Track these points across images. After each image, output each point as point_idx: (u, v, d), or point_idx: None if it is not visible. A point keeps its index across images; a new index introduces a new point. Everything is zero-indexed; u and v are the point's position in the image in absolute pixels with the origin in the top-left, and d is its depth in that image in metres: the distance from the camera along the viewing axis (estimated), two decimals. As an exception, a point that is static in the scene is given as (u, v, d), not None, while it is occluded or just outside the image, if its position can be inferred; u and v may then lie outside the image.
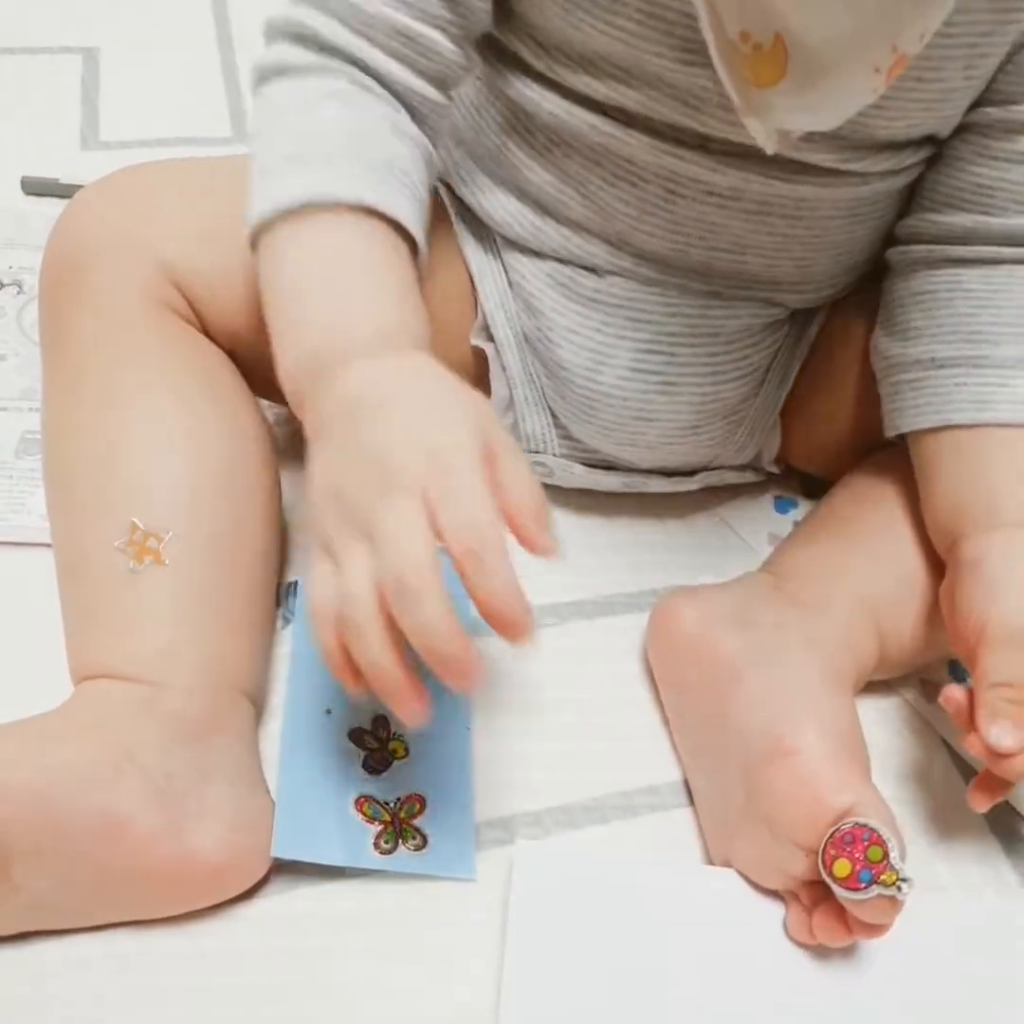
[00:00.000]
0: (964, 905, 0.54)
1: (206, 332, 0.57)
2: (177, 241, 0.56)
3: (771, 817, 0.48)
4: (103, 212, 0.57)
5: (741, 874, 0.51)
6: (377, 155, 0.48)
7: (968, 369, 0.56)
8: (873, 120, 0.52)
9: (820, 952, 0.49)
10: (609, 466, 0.66)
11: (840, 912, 0.47)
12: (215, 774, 0.48)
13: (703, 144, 0.53)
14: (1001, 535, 0.53)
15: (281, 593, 0.61)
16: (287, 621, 0.60)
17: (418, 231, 0.49)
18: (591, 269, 0.60)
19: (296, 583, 0.61)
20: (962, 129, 0.55)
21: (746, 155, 0.53)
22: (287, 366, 0.46)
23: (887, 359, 0.60)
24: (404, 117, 0.51)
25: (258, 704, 0.54)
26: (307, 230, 0.47)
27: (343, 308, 0.46)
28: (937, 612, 0.58)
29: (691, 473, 0.68)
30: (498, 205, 0.60)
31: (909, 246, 0.59)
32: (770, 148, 0.49)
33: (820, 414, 0.66)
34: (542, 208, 0.59)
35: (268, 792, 0.51)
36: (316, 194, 0.47)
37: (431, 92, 0.51)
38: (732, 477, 0.70)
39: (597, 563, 0.67)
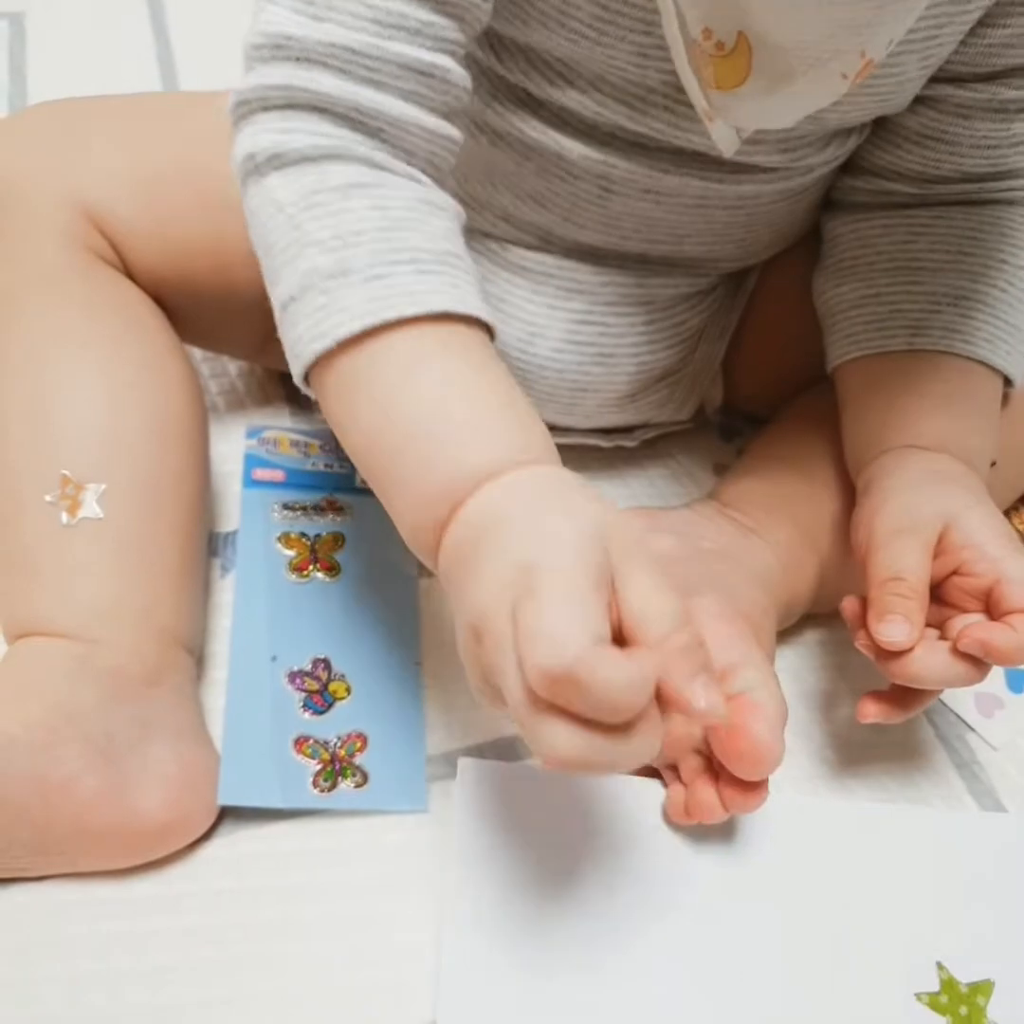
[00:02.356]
0: (914, 815, 0.54)
1: (130, 276, 0.55)
2: (99, 182, 0.54)
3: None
4: (19, 151, 0.55)
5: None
6: (425, 247, 0.41)
7: (903, 296, 0.55)
8: (826, 115, 0.49)
9: (768, 856, 0.49)
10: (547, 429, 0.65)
11: (714, 785, 0.46)
12: (155, 731, 0.48)
13: (640, 142, 0.51)
14: (891, 455, 0.52)
15: (218, 542, 0.60)
16: (226, 570, 0.59)
17: (493, 321, 0.43)
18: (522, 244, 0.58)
19: (235, 532, 0.60)
20: (916, 104, 0.53)
21: (686, 159, 0.51)
22: (413, 513, 0.41)
23: (827, 295, 0.59)
24: (431, 187, 0.44)
25: (197, 655, 0.54)
26: (386, 359, 0.41)
27: (462, 440, 0.40)
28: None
29: (630, 430, 0.67)
30: None
31: (849, 195, 0.59)
32: (728, 152, 0.47)
33: (763, 361, 0.65)
34: (467, 192, 0.56)
35: (211, 745, 0.51)
36: (383, 316, 0.40)
37: (446, 128, 0.44)
38: (673, 428, 0.69)
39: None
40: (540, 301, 0.58)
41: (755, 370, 0.66)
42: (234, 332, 0.62)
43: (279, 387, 0.68)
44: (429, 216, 0.42)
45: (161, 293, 0.56)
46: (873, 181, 0.57)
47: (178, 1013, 0.44)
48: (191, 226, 0.55)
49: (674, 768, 0.49)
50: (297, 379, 0.43)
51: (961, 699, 0.59)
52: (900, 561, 0.47)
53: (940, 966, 0.48)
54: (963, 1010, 0.46)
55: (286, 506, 0.61)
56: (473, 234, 0.57)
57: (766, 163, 0.52)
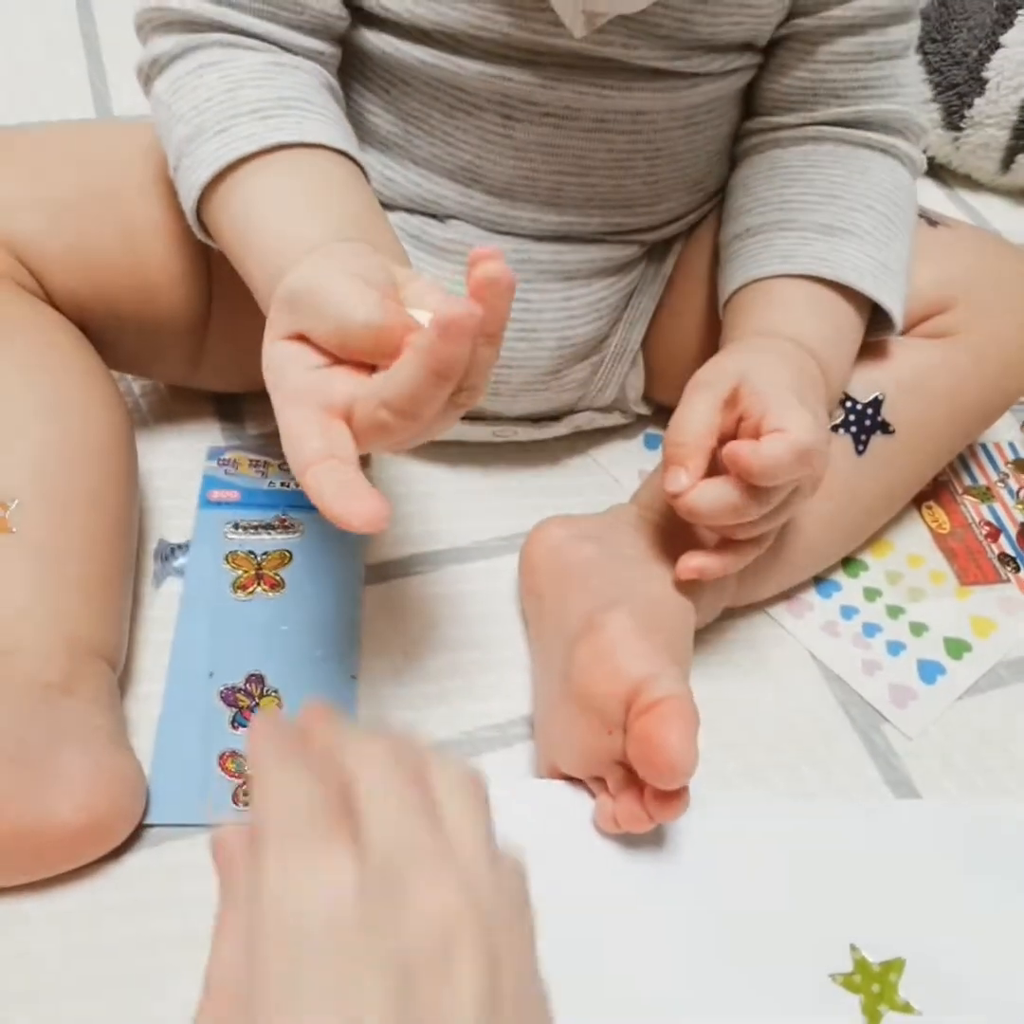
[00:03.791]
0: (830, 804, 0.55)
1: (53, 304, 0.57)
2: (17, 211, 0.56)
3: (577, 692, 0.50)
4: None
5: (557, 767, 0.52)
6: (269, 98, 0.49)
7: (776, 232, 0.59)
8: (695, 16, 0.53)
9: (688, 850, 0.51)
10: (476, 416, 0.67)
11: (640, 796, 0.48)
12: (69, 738, 0.48)
13: (532, 59, 0.54)
14: (733, 342, 0.56)
15: (150, 556, 0.61)
16: (159, 582, 0.60)
17: (341, 144, 0.50)
18: (441, 216, 0.60)
19: (176, 546, 0.62)
20: (785, 39, 0.59)
21: (576, 66, 0.54)
22: (263, 302, 0.47)
23: (719, 246, 0.62)
24: (284, 54, 0.52)
25: (118, 666, 0.54)
26: (241, 187, 0.49)
27: (291, 232, 0.47)
28: (792, 540, 0.60)
29: (558, 418, 0.69)
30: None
31: (742, 141, 0.63)
32: (578, 31, 0.50)
33: (681, 349, 0.67)
34: (389, 152, 0.59)
35: (130, 753, 0.51)
36: (228, 158, 0.48)
37: (313, 43, 0.53)
38: (601, 420, 0.70)
39: (471, 510, 0.68)
40: (462, 280, 0.59)
41: (673, 359, 0.67)
42: (160, 355, 0.63)
43: (209, 403, 0.70)
44: (277, 75, 0.51)
45: (85, 319, 0.58)
46: (761, 120, 0.62)
47: None
48: (110, 250, 0.57)
49: (601, 780, 0.51)
50: (198, 234, 0.52)
51: (875, 690, 0.60)
52: (688, 413, 0.50)
53: (853, 947, 0.49)
54: (875, 988, 0.48)
55: (237, 525, 0.63)
56: (395, 211, 0.61)
57: (648, 61, 0.54)
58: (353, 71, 0.58)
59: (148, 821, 0.50)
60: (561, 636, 0.53)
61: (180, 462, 0.66)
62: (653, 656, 0.49)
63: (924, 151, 0.99)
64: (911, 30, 0.59)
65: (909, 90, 0.61)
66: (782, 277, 0.57)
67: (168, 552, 0.62)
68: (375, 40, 0.55)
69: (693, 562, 0.53)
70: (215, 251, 0.60)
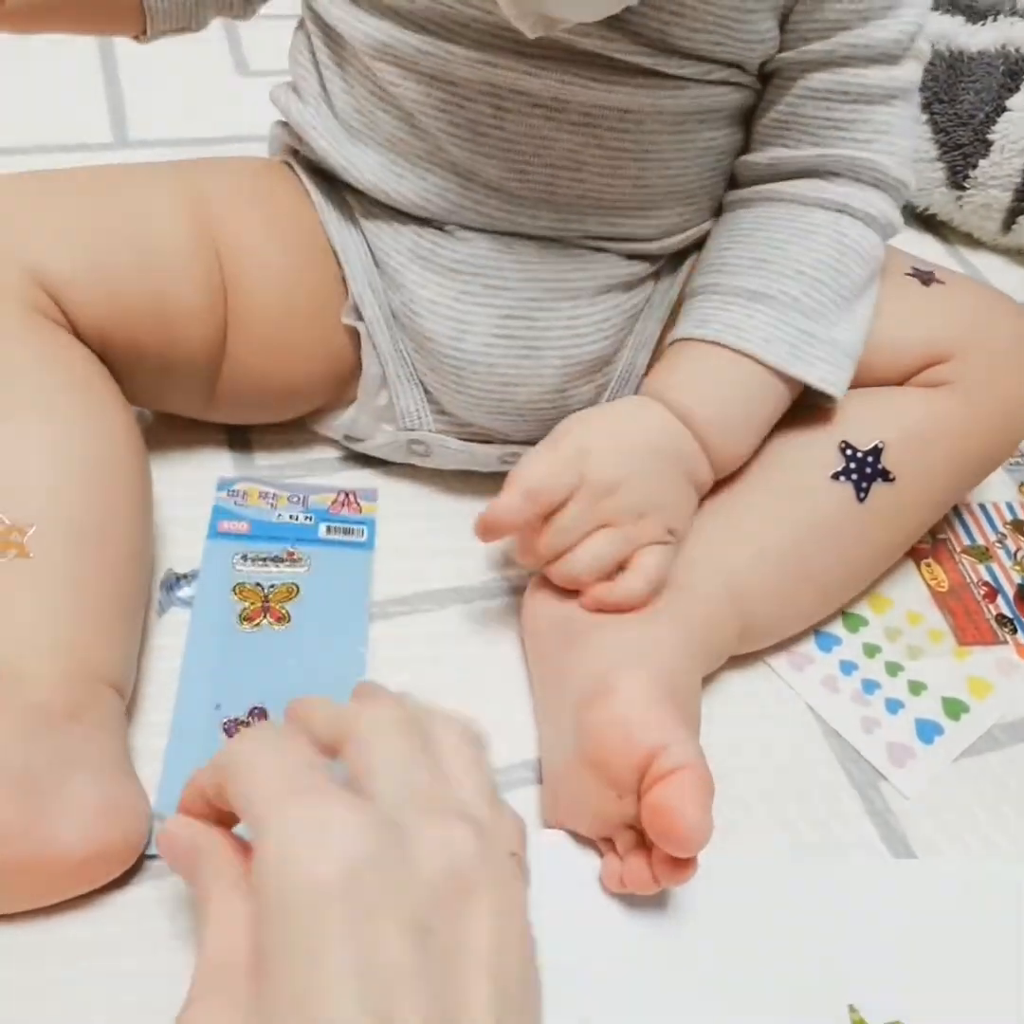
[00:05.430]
0: (827, 862, 0.56)
1: (77, 334, 0.58)
2: (42, 244, 0.57)
3: (589, 756, 0.50)
4: None
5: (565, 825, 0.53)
6: None
7: (706, 295, 0.61)
8: (672, 28, 0.55)
9: (685, 909, 0.51)
10: (485, 439, 0.67)
11: (648, 860, 0.48)
12: (76, 765, 0.48)
13: (518, 48, 0.55)
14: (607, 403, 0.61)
15: (158, 585, 0.61)
16: (163, 611, 0.60)
17: None
18: (447, 226, 0.62)
19: (182, 576, 0.62)
20: (770, 75, 0.61)
21: (560, 58, 0.55)
22: None
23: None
24: None
25: (127, 694, 0.54)
26: None
27: None
28: (797, 585, 0.60)
29: None
30: (361, 161, 0.62)
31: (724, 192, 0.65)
32: (529, 32, 0.51)
33: None
34: (396, 149, 0.61)
35: (135, 781, 0.51)
36: None
37: None
38: None
39: (476, 547, 0.68)
40: (469, 299, 0.62)
41: None
42: (177, 389, 0.64)
43: (219, 432, 0.70)
44: None
45: (106, 350, 0.59)
46: (740, 161, 0.64)
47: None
48: (133, 289, 0.59)
49: (609, 840, 0.51)
50: None
51: (874, 748, 0.61)
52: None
53: (852, 1009, 0.49)
54: (872, 1050, 0.48)
55: (246, 557, 0.63)
56: (406, 224, 0.62)
57: (630, 57, 0.55)
58: (361, 74, 0.60)
59: (151, 851, 0.49)
60: (569, 695, 0.54)
61: (188, 491, 0.66)
62: (667, 722, 0.49)
63: (926, 209, 1.01)
64: (894, 78, 0.59)
65: (889, 140, 0.61)
66: (696, 340, 0.60)
67: (173, 582, 0.62)
68: (377, 34, 0.57)
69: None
70: (230, 286, 0.62)
